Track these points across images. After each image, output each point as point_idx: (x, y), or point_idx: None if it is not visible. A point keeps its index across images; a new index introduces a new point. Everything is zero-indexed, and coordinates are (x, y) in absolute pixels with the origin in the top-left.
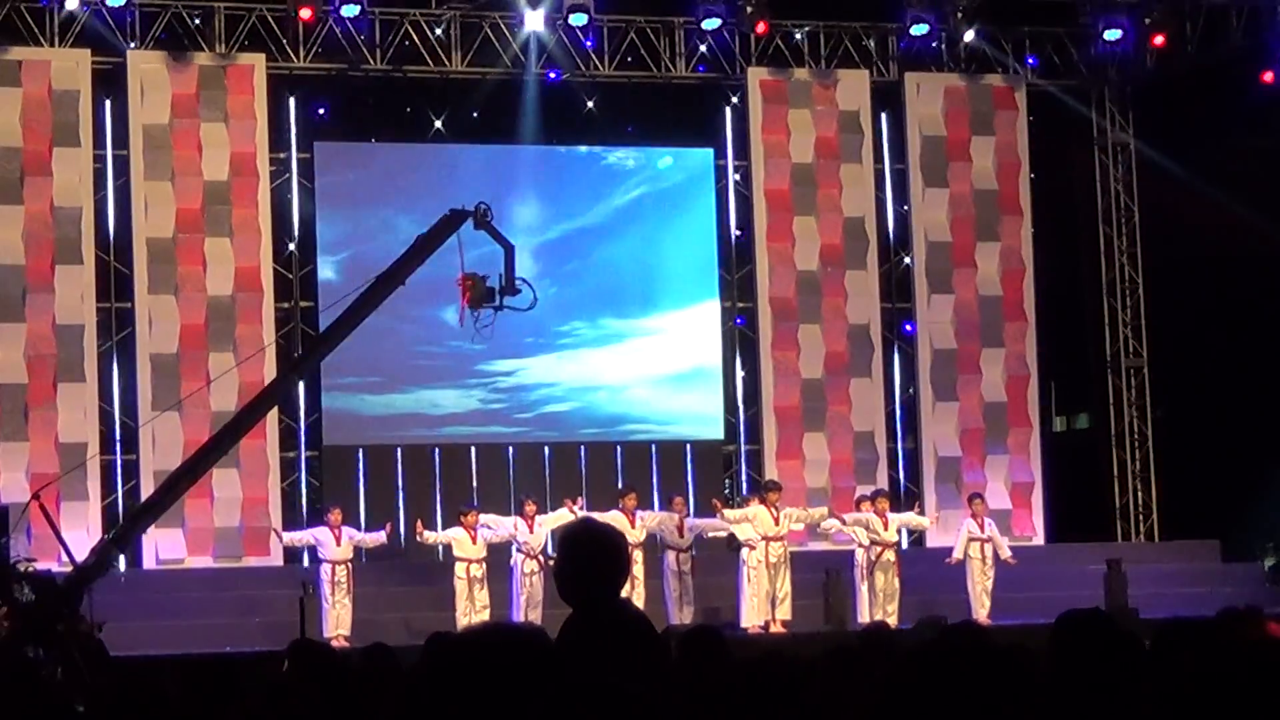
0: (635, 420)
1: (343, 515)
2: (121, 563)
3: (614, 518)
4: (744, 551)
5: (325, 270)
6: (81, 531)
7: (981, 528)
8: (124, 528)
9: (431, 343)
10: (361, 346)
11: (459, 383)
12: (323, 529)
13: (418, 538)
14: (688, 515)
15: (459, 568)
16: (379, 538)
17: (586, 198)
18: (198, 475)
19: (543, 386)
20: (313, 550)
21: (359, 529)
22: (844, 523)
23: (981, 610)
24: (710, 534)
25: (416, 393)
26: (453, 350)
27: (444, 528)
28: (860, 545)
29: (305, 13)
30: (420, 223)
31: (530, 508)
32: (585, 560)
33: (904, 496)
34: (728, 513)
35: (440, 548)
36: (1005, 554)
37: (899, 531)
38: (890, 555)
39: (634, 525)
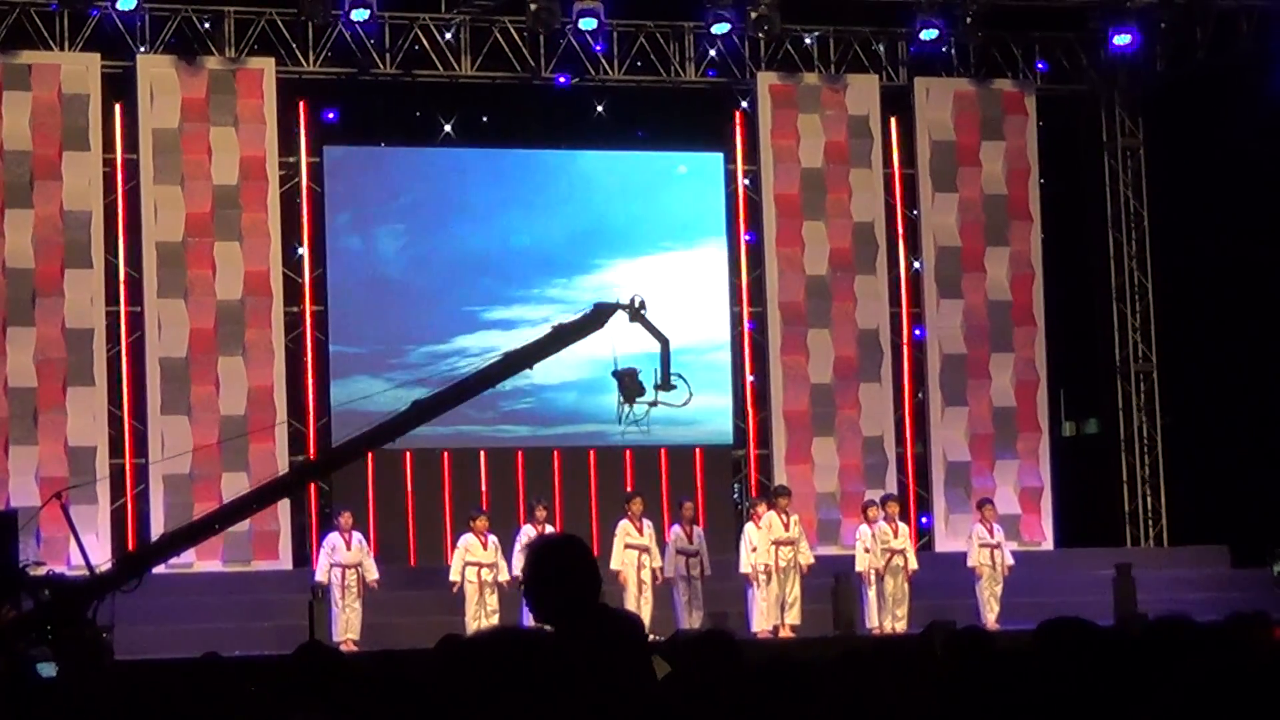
0: (646, 424)
1: (352, 520)
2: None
3: (622, 527)
4: (752, 556)
5: (335, 275)
6: (90, 536)
7: (991, 533)
8: (126, 566)
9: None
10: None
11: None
12: (333, 534)
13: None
14: (696, 523)
15: (469, 572)
16: (373, 575)
17: (596, 202)
18: (213, 531)
19: (551, 390)
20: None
21: (368, 536)
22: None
23: (990, 615)
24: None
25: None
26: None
27: (454, 531)
28: (865, 550)
29: None
30: (426, 226)
31: (541, 513)
32: (560, 573)
33: (914, 501)
34: (757, 554)
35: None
36: (1007, 561)
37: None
38: (900, 560)
39: (641, 531)
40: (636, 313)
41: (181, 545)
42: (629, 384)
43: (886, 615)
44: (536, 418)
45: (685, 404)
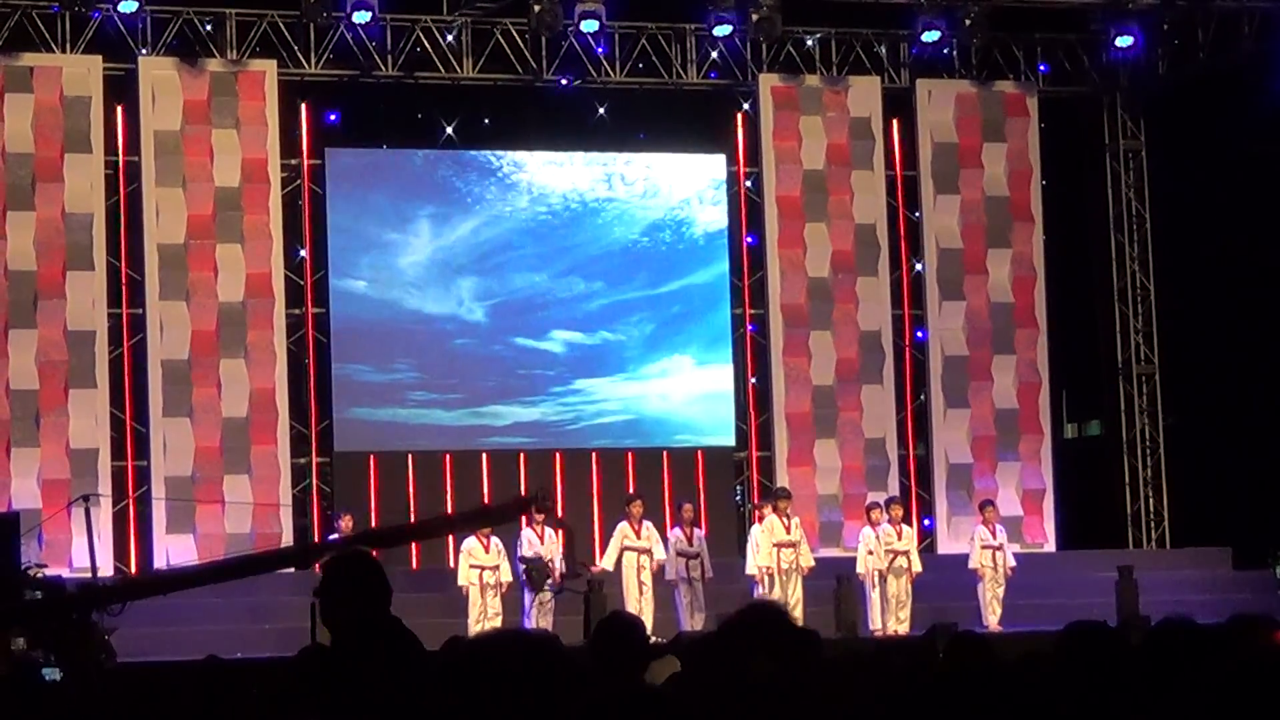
0: (647, 427)
1: (353, 523)
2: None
3: (621, 530)
4: (755, 558)
5: (336, 277)
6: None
7: (993, 534)
8: (124, 590)
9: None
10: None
11: (525, 399)
12: (334, 536)
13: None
14: (697, 525)
15: (471, 574)
16: None
17: (601, 204)
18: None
19: (560, 394)
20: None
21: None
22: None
23: (992, 617)
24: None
25: (485, 408)
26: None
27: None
28: (869, 552)
29: None
30: (427, 227)
31: (539, 514)
32: (349, 588)
33: (916, 503)
34: (759, 556)
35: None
36: (1009, 563)
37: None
38: (903, 562)
39: (639, 534)
40: (541, 505)
41: (179, 586)
42: (535, 576)
43: (890, 617)
44: (540, 422)
45: (589, 592)
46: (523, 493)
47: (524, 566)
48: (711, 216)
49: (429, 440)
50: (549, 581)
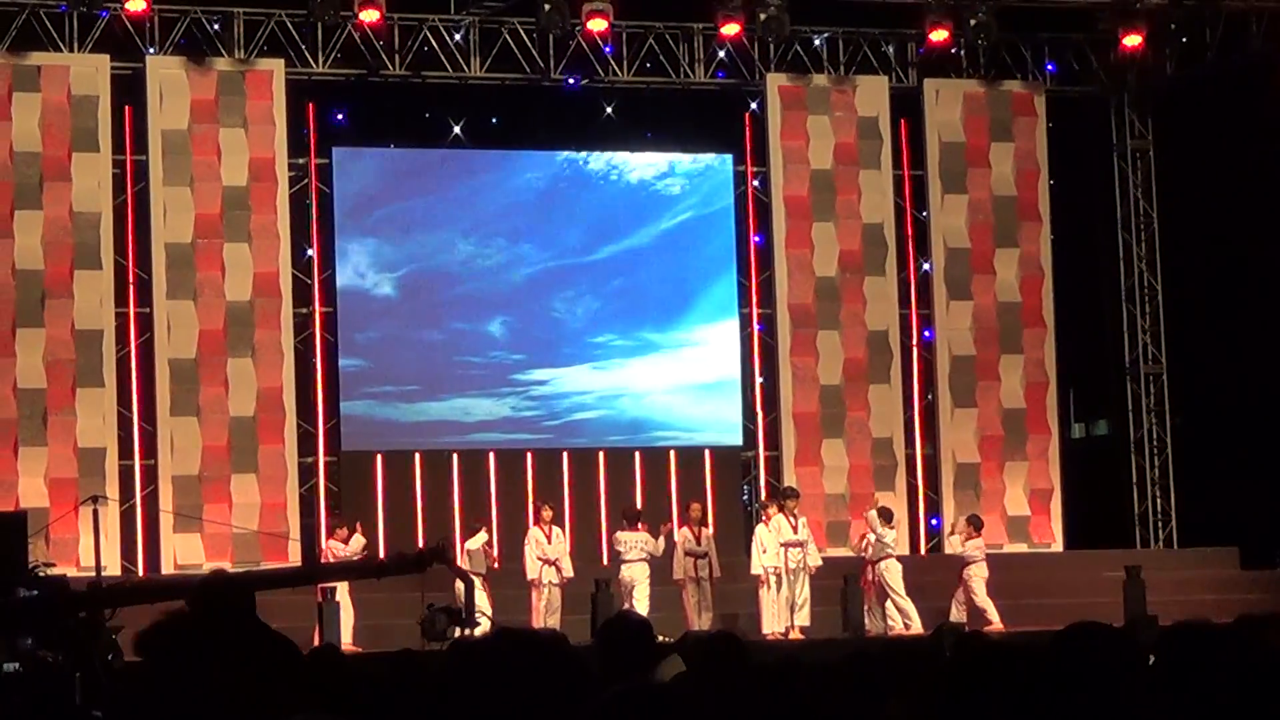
0: (656, 427)
1: (360, 523)
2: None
3: (620, 537)
4: (761, 558)
5: (344, 276)
6: (100, 536)
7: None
8: (126, 593)
9: (473, 353)
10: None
11: (492, 391)
12: (339, 544)
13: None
14: (704, 525)
15: (477, 579)
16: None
17: (607, 205)
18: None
19: (570, 395)
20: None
21: (377, 538)
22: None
23: (994, 615)
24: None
25: (451, 401)
26: (488, 360)
27: (462, 534)
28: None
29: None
30: (434, 227)
31: (547, 513)
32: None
33: (924, 503)
34: (766, 556)
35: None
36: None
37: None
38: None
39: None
40: (441, 556)
41: (168, 596)
42: (429, 628)
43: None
44: (512, 417)
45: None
46: (422, 546)
47: (424, 615)
48: (645, 159)
49: (396, 437)
50: (448, 633)
